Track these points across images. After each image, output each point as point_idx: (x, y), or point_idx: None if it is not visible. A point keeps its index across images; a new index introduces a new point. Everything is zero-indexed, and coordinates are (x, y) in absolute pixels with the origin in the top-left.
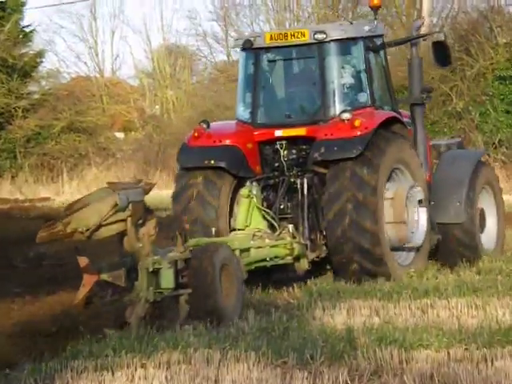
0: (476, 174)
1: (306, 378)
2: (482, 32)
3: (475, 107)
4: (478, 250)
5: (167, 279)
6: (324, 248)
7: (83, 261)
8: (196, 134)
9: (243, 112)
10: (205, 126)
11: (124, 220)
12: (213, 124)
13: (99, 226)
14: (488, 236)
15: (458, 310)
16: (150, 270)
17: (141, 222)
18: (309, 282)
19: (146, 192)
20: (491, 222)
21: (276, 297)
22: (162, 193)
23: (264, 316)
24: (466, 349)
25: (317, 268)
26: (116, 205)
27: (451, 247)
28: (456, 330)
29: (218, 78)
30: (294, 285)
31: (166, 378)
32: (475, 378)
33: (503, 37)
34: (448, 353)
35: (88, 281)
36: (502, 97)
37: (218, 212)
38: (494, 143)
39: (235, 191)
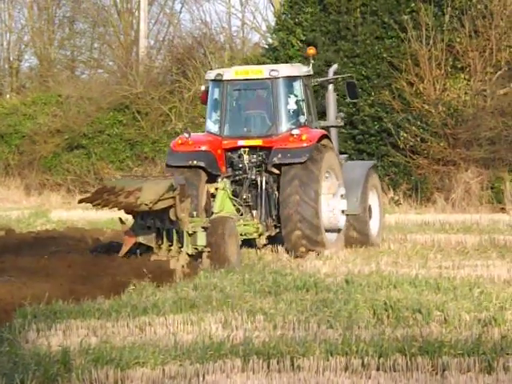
0: (367, 179)
1: None
2: (197, 57)
3: (193, 129)
4: (368, 236)
5: (201, 239)
6: (273, 229)
7: (125, 227)
8: (180, 141)
9: (213, 126)
10: (187, 135)
11: (173, 197)
12: (192, 134)
13: (158, 200)
14: (373, 226)
15: (175, 327)
16: (190, 232)
17: (183, 199)
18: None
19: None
20: (375, 216)
21: None
22: None
23: None
24: (181, 365)
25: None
26: (172, 186)
27: (348, 232)
28: (172, 347)
29: None
30: None
31: None
32: None
33: (216, 62)
34: (163, 370)
35: (128, 242)
36: None
37: (197, 200)
38: None
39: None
